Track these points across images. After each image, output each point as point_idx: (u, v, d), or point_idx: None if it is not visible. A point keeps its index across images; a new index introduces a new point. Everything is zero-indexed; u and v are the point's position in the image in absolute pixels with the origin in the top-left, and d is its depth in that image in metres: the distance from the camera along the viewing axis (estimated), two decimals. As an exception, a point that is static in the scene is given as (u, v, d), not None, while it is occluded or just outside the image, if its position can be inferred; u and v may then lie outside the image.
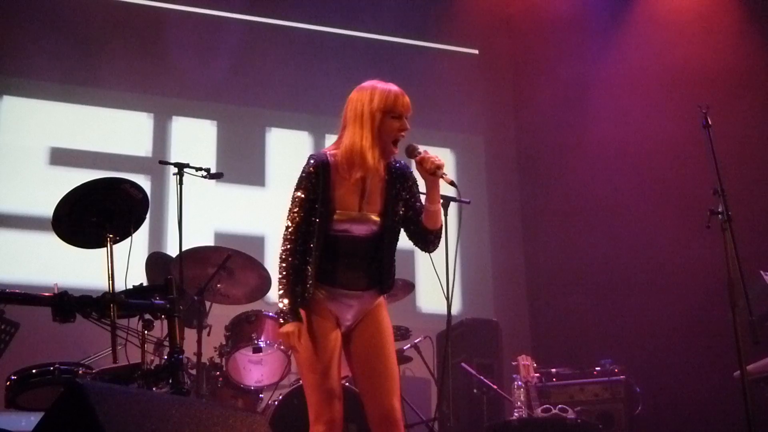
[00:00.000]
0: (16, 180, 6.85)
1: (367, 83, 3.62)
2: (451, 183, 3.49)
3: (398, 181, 3.61)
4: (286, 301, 3.46)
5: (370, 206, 3.55)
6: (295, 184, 3.60)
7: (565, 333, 7.55)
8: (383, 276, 3.58)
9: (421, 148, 3.54)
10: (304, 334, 3.44)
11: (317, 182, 3.51)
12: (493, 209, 8.26)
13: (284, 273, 3.49)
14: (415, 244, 3.65)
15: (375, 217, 3.54)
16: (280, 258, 3.52)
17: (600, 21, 7.92)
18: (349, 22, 8.20)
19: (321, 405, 3.45)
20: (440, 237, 3.65)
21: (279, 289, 3.50)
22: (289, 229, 3.53)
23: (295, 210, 3.55)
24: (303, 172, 3.58)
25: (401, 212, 3.61)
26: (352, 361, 3.59)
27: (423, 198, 3.59)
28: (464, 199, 4.40)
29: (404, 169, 3.63)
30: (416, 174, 3.63)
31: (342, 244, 3.52)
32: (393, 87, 3.60)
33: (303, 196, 3.54)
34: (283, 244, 3.53)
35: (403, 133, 3.52)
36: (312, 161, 3.56)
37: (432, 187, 3.49)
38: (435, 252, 3.82)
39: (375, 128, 3.48)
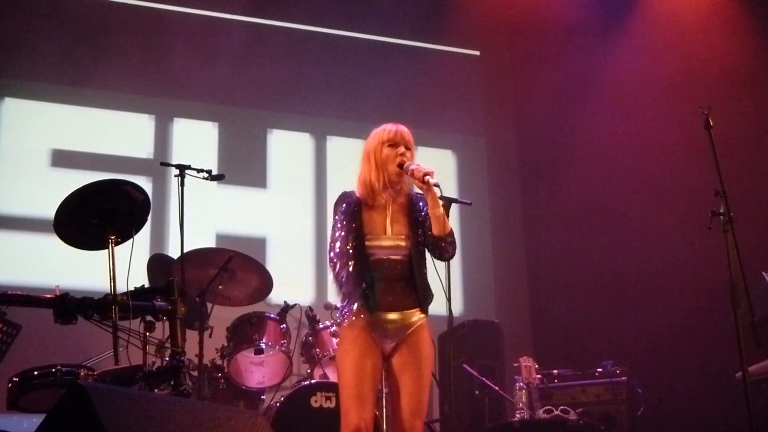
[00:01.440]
0: (17, 182, 6.85)
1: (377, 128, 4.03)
2: (435, 185, 3.69)
3: (416, 206, 3.90)
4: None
5: (396, 230, 3.84)
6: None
7: (567, 334, 7.54)
8: (419, 295, 3.80)
9: (414, 163, 3.81)
10: (345, 358, 3.73)
11: (350, 211, 3.87)
12: (494, 211, 8.25)
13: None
14: (434, 256, 3.86)
15: (402, 240, 3.82)
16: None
17: (601, 22, 7.92)
18: (350, 24, 8.20)
19: (349, 412, 3.64)
20: (454, 243, 3.82)
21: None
22: (331, 253, 3.88)
23: (336, 235, 3.89)
24: (336, 204, 3.95)
25: (421, 232, 3.84)
26: (388, 379, 3.82)
27: None
28: (465, 201, 4.41)
29: (421, 196, 3.89)
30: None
31: (377, 268, 3.79)
32: (390, 125, 3.97)
33: (341, 222, 3.88)
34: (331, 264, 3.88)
35: (401, 156, 3.83)
36: (342, 195, 3.96)
37: (427, 194, 3.75)
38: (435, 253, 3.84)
39: (378, 160, 3.86)
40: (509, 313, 7.79)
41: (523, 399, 5.57)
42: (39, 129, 7.05)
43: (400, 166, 3.83)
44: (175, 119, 7.51)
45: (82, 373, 4.12)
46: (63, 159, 7.00)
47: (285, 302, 5.71)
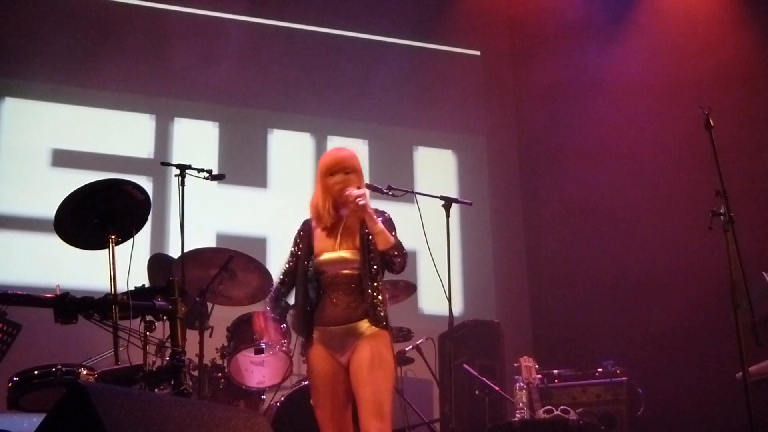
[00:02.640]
0: (18, 181, 6.86)
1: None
2: (363, 206, 3.90)
3: (366, 226, 4.01)
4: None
5: (345, 245, 4.01)
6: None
7: (567, 334, 7.54)
8: (368, 307, 3.91)
9: (348, 189, 3.97)
10: (309, 378, 4.04)
11: (301, 236, 4.17)
12: (494, 210, 8.25)
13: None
14: (387, 269, 4.01)
15: (351, 254, 3.98)
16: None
17: (601, 22, 7.92)
18: (351, 24, 8.20)
19: None
20: (401, 255, 3.94)
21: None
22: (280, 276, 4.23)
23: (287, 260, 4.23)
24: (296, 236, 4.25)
25: (373, 248, 3.96)
26: (352, 386, 3.92)
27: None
28: (466, 201, 4.41)
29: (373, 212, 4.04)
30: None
31: (326, 284, 4.00)
32: (333, 150, 4.23)
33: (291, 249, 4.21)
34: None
35: (339, 184, 4.01)
36: (302, 223, 4.23)
37: (362, 216, 3.95)
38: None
39: (323, 187, 4.07)
40: (509, 313, 7.79)
41: (524, 399, 5.57)
42: (40, 129, 7.06)
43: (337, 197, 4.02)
44: (176, 119, 7.51)
45: (82, 373, 4.12)
46: (64, 159, 7.00)
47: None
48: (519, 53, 8.66)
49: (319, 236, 4.10)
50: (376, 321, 3.91)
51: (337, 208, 4.06)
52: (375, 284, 3.95)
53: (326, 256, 4.02)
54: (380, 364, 3.86)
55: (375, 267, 3.97)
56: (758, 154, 6.77)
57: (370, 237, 3.96)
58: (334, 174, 4.05)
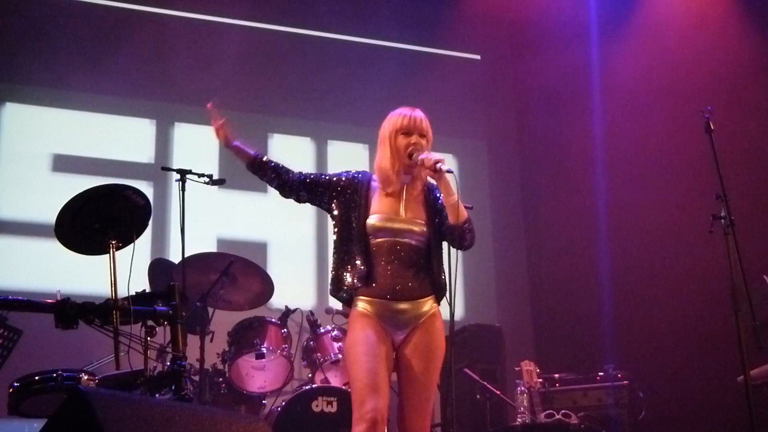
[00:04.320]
0: (18, 187, 6.85)
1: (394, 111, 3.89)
2: (448, 171, 3.62)
3: (433, 194, 3.80)
4: None
5: (410, 215, 3.71)
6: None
7: (568, 338, 7.53)
8: (434, 282, 3.67)
9: (424, 152, 3.71)
10: (357, 345, 3.57)
11: (359, 185, 3.79)
12: (495, 214, 8.24)
13: None
14: (453, 245, 3.72)
15: (417, 225, 3.69)
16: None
17: (602, 27, 7.92)
18: (351, 28, 8.20)
19: (361, 401, 3.48)
20: (472, 231, 3.73)
21: None
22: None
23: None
24: (347, 173, 3.87)
25: (438, 221, 3.73)
26: (398, 371, 3.66)
27: None
28: (467, 205, 4.41)
29: (437, 189, 3.77)
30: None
31: (386, 252, 3.65)
32: (406, 109, 3.85)
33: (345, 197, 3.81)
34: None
35: (413, 146, 3.71)
36: (357, 171, 3.88)
37: (439, 183, 3.65)
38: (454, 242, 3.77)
39: (392, 148, 3.74)
40: (510, 317, 7.78)
41: (525, 403, 5.57)
42: (40, 134, 7.05)
43: (410, 156, 3.72)
44: (176, 124, 7.51)
45: (83, 378, 4.12)
46: (64, 164, 7.00)
47: (286, 307, 5.71)
48: (519, 57, 8.66)
49: (380, 197, 3.76)
50: (439, 299, 3.71)
51: (407, 171, 3.76)
52: (440, 260, 3.72)
53: (389, 221, 3.69)
54: (439, 353, 3.65)
55: (439, 239, 3.74)
56: (759, 157, 6.76)
57: (439, 209, 3.73)
58: (409, 134, 3.76)
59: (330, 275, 3.79)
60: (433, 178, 3.69)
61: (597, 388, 6.15)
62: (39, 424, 4.15)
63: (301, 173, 3.97)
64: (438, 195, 3.77)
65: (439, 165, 3.60)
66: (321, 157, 7.80)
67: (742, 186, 5.69)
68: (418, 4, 8.29)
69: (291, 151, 7.78)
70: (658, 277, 7.10)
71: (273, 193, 7.55)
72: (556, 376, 6.25)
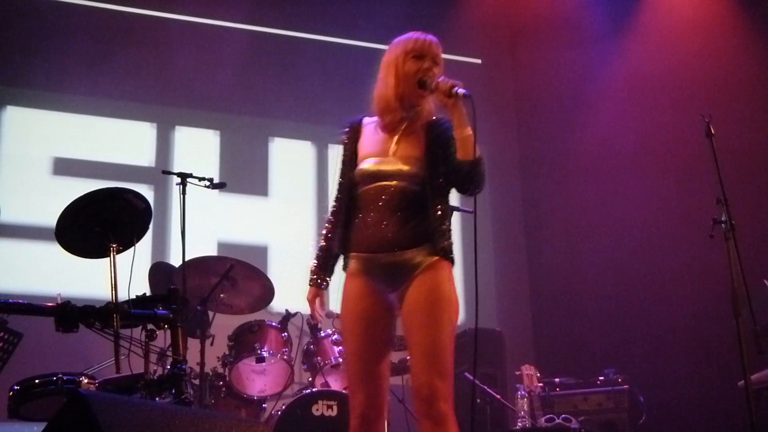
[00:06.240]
0: (19, 190, 6.85)
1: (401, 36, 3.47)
2: (466, 95, 3.20)
3: (438, 128, 3.32)
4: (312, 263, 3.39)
5: (403, 152, 3.23)
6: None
7: (569, 343, 7.53)
8: (429, 229, 3.16)
9: (439, 77, 3.29)
10: (342, 318, 3.23)
11: (349, 140, 3.39)
12: (496, 218, 8.24)
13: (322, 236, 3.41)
14: (459, 188, 3.26)
15: (408, 163, 3.20)
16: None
17: (603, 32, 7.93)
18: (351, 32, 8.21)
19: (351, 392, 3.23)
20: (479, 172, 3.21)
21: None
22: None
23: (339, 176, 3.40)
24: (344, 135, 3.46)
25: (441, 155, 3.23)
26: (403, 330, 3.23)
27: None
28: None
29: (445, 123, 3.30)
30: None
31: (372, 198, 3.20)
32: (419, 33, 3.45)
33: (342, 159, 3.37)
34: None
35: (425, 73, 3.27)
36: (346, 125, 3.47)
37: (453, 112, 3.18)
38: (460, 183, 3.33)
39: (398, 72, 3.32)
40: (511, 322, 7.77)
41: (525, 407, 5.56)
42: (40, 137, 7.06)
43: (422, 83, 3.25)
44: (177, 127, 7.51)
45: (83, 382, 4.12)
46: (65, 167, 7.01)
47: (286, 310, 5.71)
48: (520, 61, 8.67)
49: (368, 138, 3.33)
50: (438, 249, 3.17)
51: (412, 100, 3.28)
52: (439, 205, 3.20)
53: (376, 164, 3.22)
54: (441, 304, 3.17)
55: (442, 182, 3.21)
56: (759, 161, 6.77)
57: (443, 142, 3.23)
58: (421, 58, 3.30)
59: None
60: (446, 105, 3.18)
61: (597, 393, 6.15)
62: (39, 427, 4.15)
63: (339, 198, 3.39)
64: (445, 128, 3.28)
65: (456, 89, 3.14)
66: (321, 161, 7.80)
67: (743, 190, 5.68)
68: (418, 8, 8.28)
69: (292, 155, 7.79)
70: (658, 281, 7.10)
71: (273, 196, 7.65)
72: (557, 380, 6.25)
